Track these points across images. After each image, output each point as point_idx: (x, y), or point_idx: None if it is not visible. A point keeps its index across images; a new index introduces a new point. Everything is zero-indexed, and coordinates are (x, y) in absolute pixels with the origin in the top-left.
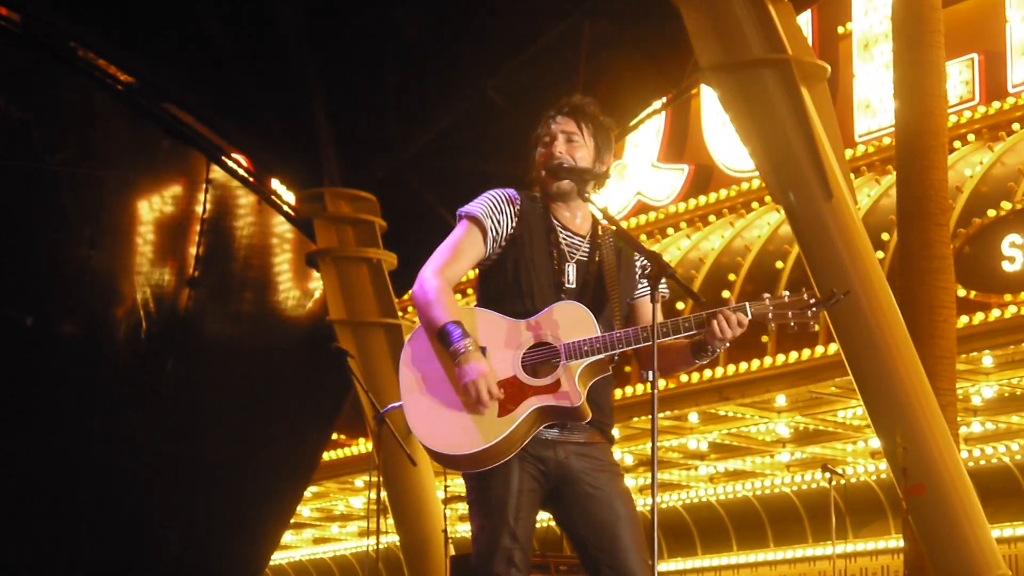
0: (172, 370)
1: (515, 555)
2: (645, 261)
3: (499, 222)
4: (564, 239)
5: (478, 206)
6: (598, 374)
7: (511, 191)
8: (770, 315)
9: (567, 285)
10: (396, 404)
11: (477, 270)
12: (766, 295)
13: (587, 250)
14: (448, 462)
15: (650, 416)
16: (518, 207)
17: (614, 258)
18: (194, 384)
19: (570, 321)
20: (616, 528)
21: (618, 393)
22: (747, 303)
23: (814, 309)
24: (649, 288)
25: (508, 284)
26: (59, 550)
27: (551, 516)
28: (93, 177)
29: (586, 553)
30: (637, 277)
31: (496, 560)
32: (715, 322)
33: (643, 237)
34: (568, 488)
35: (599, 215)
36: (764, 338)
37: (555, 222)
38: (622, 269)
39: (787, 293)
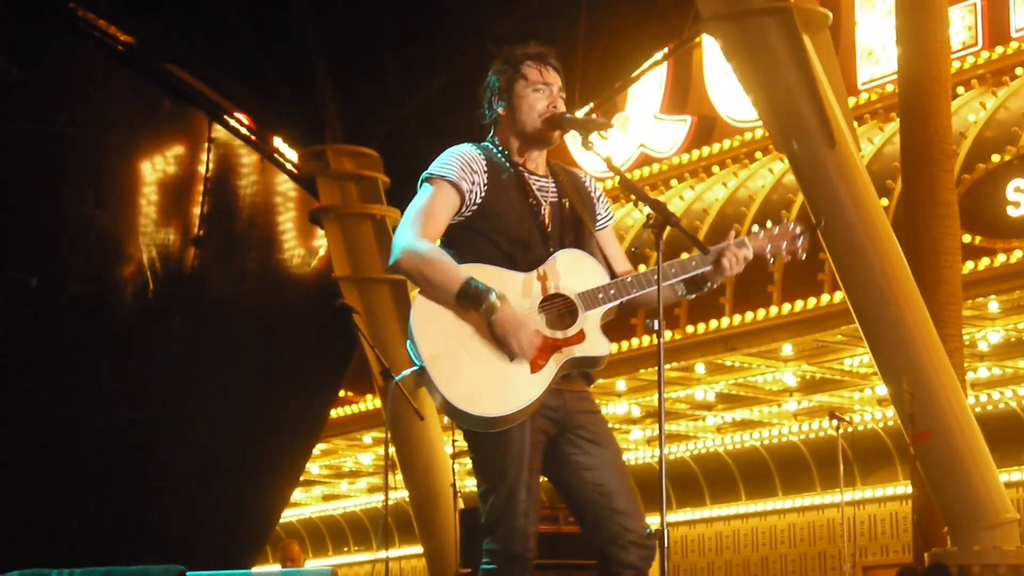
0: (179, 329)
1: (531, 508)
2: (605, 205)
3: (473, 181)
4: (534, 182)
5: (449, 168)
6: (606, 320)
7: (471, 146)
8: (768, 248)
9: (548, 229)
10: (407, 371)
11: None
12: (756, 229)
13: (555, 190)
14: (490, 424)
15: (657, 367)
16: (484, 161)
17: (577, 195)
18: (201, 343)
19: (575, 269)
20: (617, 472)
21: (624, 345)
22: (745, 238)
23: (801, 238)
24: (608, 221)
25: (493, 236)
26: (67, 509)
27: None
28: (95, 138)
29: (587, 500)
30: (597, 212)
31: (517, 515)
32: (724, 259)
33: (647, 189)
34: (570, 435)
35: (602, 164)
36: (770, 288)
37: (521, 169)
38: (585, 204)
39: (770, 224)
